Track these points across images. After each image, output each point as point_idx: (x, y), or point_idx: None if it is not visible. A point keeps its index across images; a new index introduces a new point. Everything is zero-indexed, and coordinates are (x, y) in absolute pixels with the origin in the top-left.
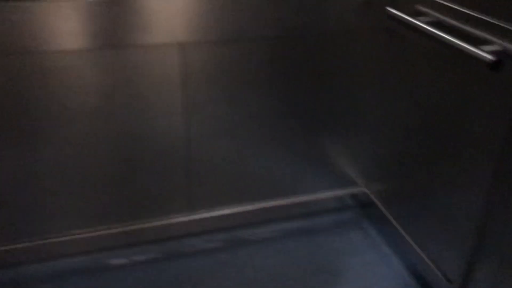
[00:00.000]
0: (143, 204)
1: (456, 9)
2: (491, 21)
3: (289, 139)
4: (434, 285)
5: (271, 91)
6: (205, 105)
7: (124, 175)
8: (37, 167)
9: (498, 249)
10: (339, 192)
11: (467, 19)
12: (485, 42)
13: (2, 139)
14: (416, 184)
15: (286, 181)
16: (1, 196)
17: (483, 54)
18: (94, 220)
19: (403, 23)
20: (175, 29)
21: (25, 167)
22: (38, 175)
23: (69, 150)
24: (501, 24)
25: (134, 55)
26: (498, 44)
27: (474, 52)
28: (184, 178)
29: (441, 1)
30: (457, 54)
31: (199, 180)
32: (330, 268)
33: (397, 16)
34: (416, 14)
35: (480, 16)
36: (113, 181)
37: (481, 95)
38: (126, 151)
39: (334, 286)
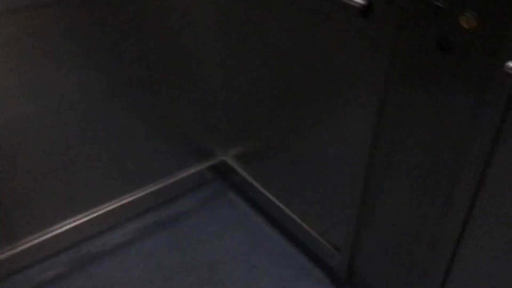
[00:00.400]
0: None
1: None
2: None
3: (126, 121)
4: (322, 255)
5: (91, 66)
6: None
7: None
8: None
9: (383, 213)
10: (197, 168)
11: None
12: None
13: None
14: (283, 146)
15: (133, 171)
16: None
17: None
18: None
19: None
20: None
21: None
22: None
23: None
24: None
25: None
26: None
27: None
28: None
29: None
30: None
31: (16, 199)
32: (205, 261)
33: None
34: None
35: None
36: None
37: (350, 38)
38: None
39: (213, 283)
